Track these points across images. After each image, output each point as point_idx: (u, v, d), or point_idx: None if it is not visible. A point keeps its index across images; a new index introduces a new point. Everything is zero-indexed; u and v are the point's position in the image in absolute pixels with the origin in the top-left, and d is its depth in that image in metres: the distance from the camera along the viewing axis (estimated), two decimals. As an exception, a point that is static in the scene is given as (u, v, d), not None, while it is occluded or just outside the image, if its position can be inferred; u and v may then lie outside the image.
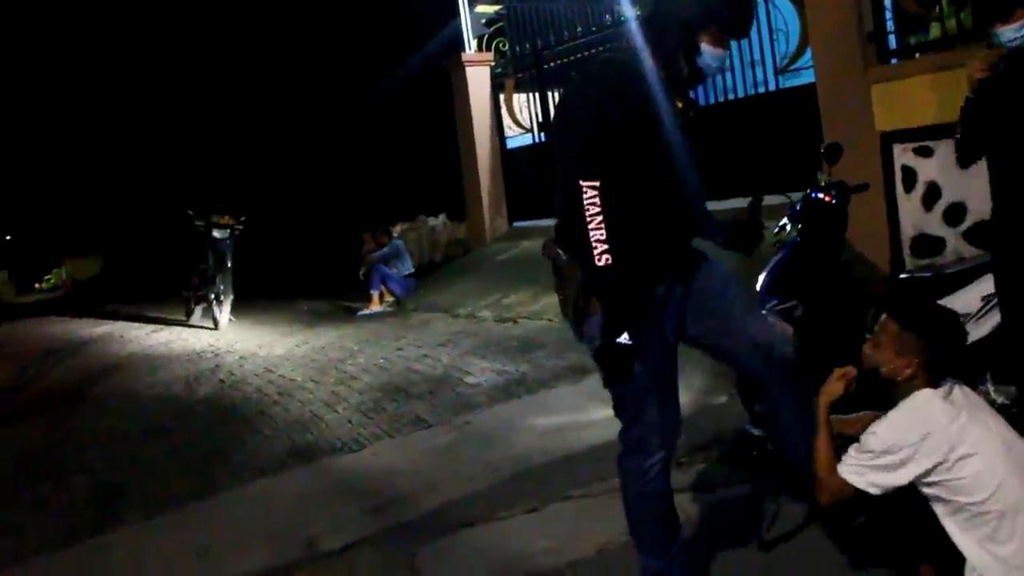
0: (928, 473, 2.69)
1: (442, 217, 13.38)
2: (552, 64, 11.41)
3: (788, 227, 4.44)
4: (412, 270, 11.54)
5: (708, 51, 2.86)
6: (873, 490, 2.75)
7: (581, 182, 2.70)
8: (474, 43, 12.44)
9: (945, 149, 6.36)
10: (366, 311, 10.90)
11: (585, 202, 2.70)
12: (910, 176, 6.60)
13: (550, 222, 10.67)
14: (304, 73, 14.82)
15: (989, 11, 3.27)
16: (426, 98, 13.12)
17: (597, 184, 2.70)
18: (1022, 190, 3.36)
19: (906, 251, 6.60)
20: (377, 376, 7.21)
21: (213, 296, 10.91)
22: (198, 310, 11.55)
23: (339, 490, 4.98)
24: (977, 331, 3.80)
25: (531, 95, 11.87)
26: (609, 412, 5.29)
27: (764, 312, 4.08)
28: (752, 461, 4.18)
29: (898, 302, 3.09)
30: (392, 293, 11.18)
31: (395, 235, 11.97)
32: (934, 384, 2.79)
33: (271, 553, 4.26)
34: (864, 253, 6.56)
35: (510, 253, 11.12)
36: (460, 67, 12.14)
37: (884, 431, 2.77)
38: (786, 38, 8.41)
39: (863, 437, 2.81)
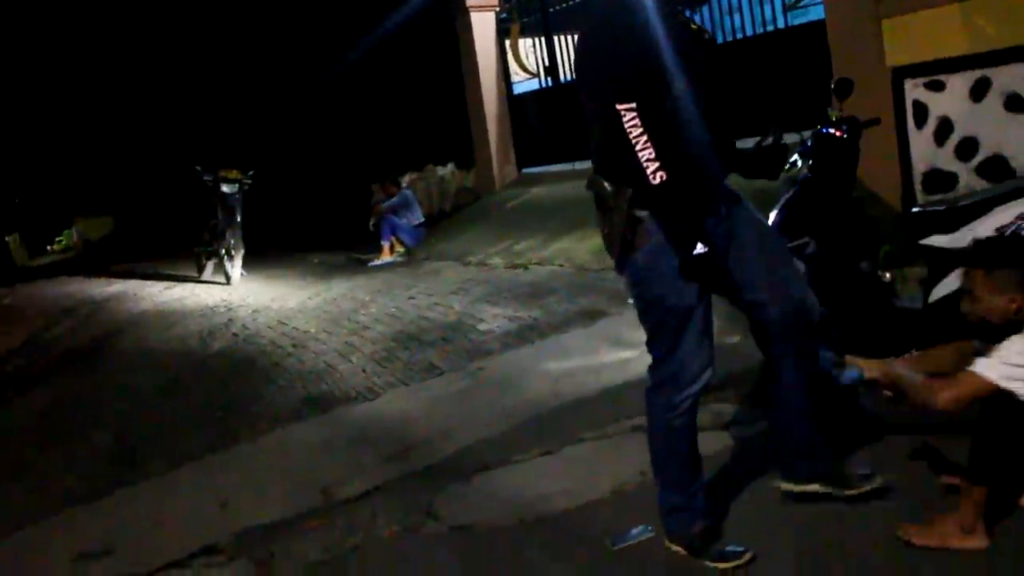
0: None
1: (451, 166, 13.30)
2: (557, 7, 11.26)
3: (799, 163, 4.40)
4: (422, 219, 11.52)
5: None
6: (1003, 385, 2.73)
7: (618, 106, 2.74)
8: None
9: (957, 83, 6.28)
10: (377, 261, 10.90)
11: (626, 126, 2.75)
12: (921, 111, 6.52)
13: (560, 167, 10.71)
14: (308, 22, 14.66)
15: None
16: (431, 45, 12.96)
17: (634, 105, 2.74)
18: None
19: (918, 187, 6.55)
20: (390, 325, 7.22)
21: (224, 251, 10.90)
22: (210, 265, 11.56)
23: (355, 438, 5.01)
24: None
25: (537, 40, 11.74)
26: (623, 354, 5.38)
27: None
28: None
29: (972, 251, 3.08)
30: (403, 243, 11.18)
31: (404, 185, 11.94)
32: None
33: (289, 501, 4.30)
34: (876, 190, 6.51)
35: (520, 200, 11.08)
36: (465, 12, 11.99)
37: None
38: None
39: (1005, 351, 2.78)
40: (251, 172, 11.13)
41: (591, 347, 5.74)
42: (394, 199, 11.36)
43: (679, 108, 2.83)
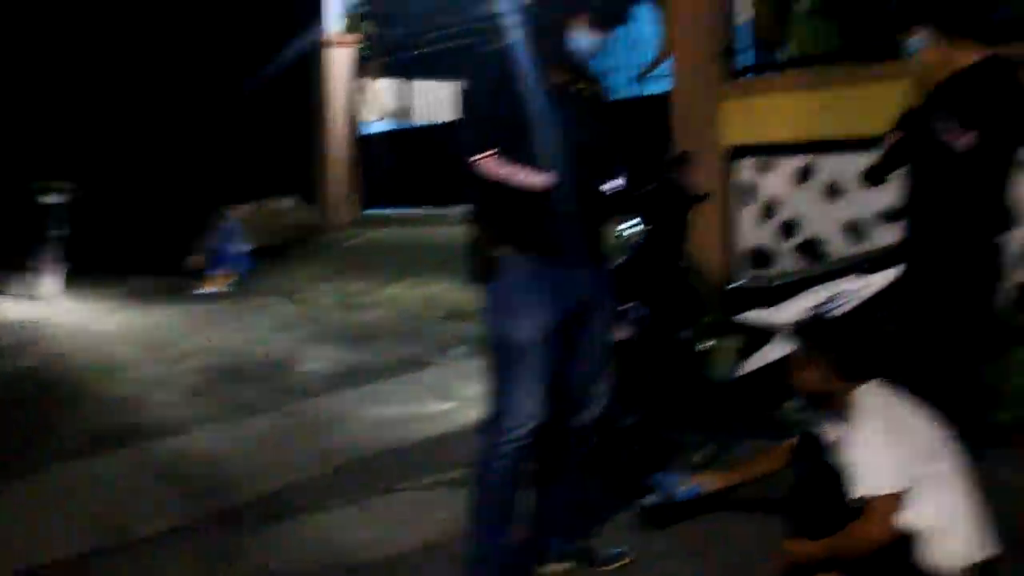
0: (913, 449, 2.82)
1: (293, 199, 13.06)
2: (418, 52, 11.29)
3: (633, 229, 4.50)
4: (248, 247, 11.27)
5: (580, 34, 2.99)
6: (898, 488, 2.78)
7: (476, 157, 2.89)
8: (341, 23, 12.19)
9: (784, 166, 6.62)
10: (204, 290, 10.56)
11: (488, 171, 2.89)
12: (750, 190, 6.83)
13: (403, 211, 10.63)
14: (159, 42, 14.19)
15: (897, 25, 3.43)
16: (287, 74, 12.76)
17: (488, 154, 2.88)
18: (928, 206, 3.46)
19: (740, 262, 6.84)
20: (210, 357, 6.96)
21: (43, 266, 10.34)
22: (28, 280, 10.90)
23: (160, 475, 4.75)
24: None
25: (394, 82, 11.72)
26: (444, 405, 5.35)
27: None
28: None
29: (799, 327, 3.21)
30: (231, 273, 10.87)
31: (230, 217, 11.65)
32: (859, 384, 2.95)
33: (79, 541, 4.01)
34: (702, 262, 6.74)
35: (359, 240, 10.97)
36: (324, 45, 11.88)
37: (868, 436, 2.84)
38: (645, 48, 8.57)
39: (854, 459, 2.84)
40: (74, 186, 10.61)
41: (415, 396, 5.68)
42: (223, 229, 11.08)
43: (539, 152, 2.91)
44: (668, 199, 4.44)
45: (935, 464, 2.84)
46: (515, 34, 3.02)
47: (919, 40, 3.37)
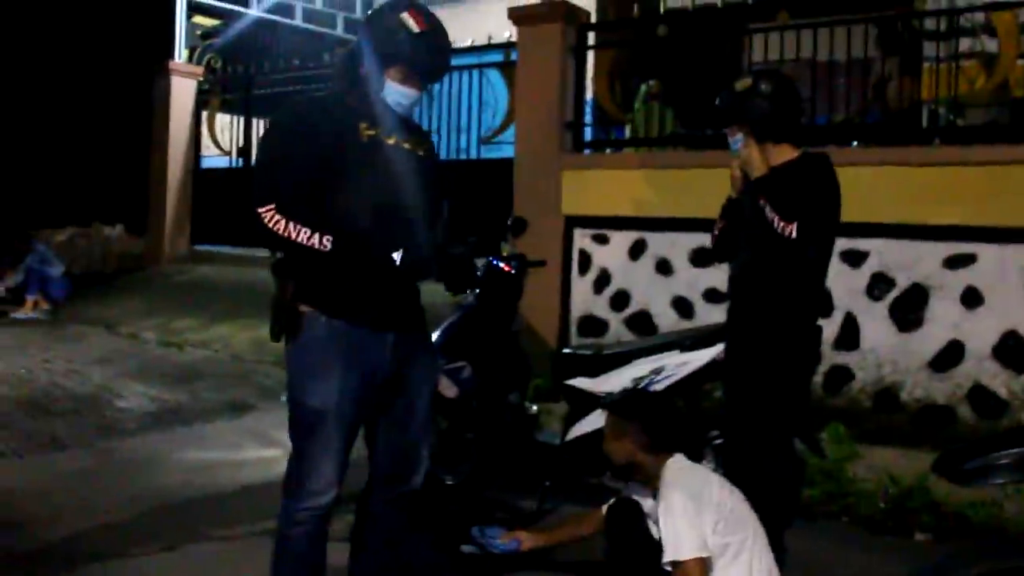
0: (716, 518, 2.98)
1: (119, 227, 12.58)
2: (263, 91, 11.15)
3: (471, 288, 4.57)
4: (60, 271, 10.81)
5: (394, 87, 2.92)
6: (706, 552, 2.93)
7: (257, 208, 2.73)
8: (185, 53, 11.93)
9: (619, 239, 6.88)
10: (20, 314, 10.00)
11: (269, 224, 2.73)
12: (586, 260, 7.05)
13: (236, 250, 10.35)
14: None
15: (720, 122, 3.65)
16: (125, 100, 12.35)
17: (272, 207, 2.73)
18: (751, 288, 3.64)
19: (573, 329, 7.02)
20: (14, 388, 6.56)
21: None
22: None
23: (-53, 512, 4.45)
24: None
25: (236, 118, 11.51)
26: (266, 452, 5.23)
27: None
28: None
29: (608, 401, 3.37)
30: (49, 298, 10.34)
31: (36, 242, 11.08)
32: (667, 457, 3.13)
33: None
34: (535, 327, 6.89)
35: (187, 276, 10.63)
36: (166, 74, 11.55)
37: (674, 505, 2.98)
38: (493, 112, 8.77)
39: (662, 527, 2.98)
40: None
41: (234, 441, 5.54)
42: (35, 254, 10.60)
43: (342, 208, 2.82)
44: (503, 264, 4.52)
45: (738, 533, 3.02)
46: (335, 83, 3.00)
47: (737, 139, 3.60)
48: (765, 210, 3.43)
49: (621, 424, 3.22)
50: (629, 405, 3.32)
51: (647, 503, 3.20)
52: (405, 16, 2.87)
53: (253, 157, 11.03)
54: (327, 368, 2.82)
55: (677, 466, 3.13)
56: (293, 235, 2.73)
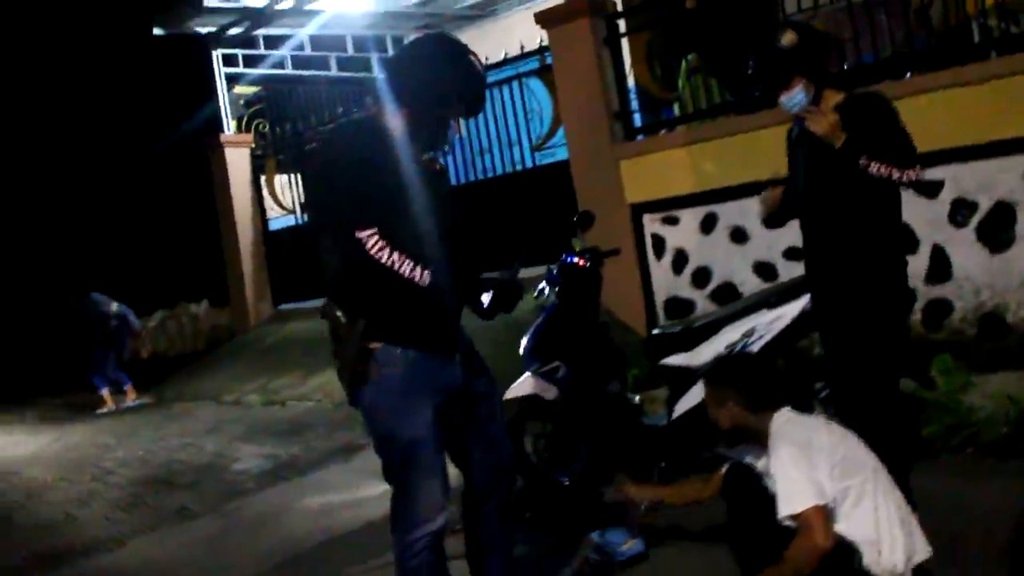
0: (829, 463, 2.94)
1: (204, 303, 12.92)
2: (312, 145, 11.37)
3: (547, 291, 4.60)
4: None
5: (452, 125, 3.01)
6: (824, 500, 2.90)
7: (358, 233, 2.73)
8: (233, 124, 12.23)
9: (689, 217, 6.84)
10: (104, 410, 10.09)
11: (372, 251, 2.73)
12: (660, 244, 7.03)
13: (316, 303, 10.55)
14: (56, 153, 14.02)
15: (770, 84, 3.57)
16: (185, 181, 12.74)
17: (375, 231, 2.73)
18: (828, 236, 3.61)
19: (660, 314, 7.00)
20: (137, 469, 6.80)
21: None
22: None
23: (98, 593, 4.63)
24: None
25: (292, 176, 11.76)
26: (382, 488, 5.26)
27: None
28: (527, 521, 4.25)
29: (703, 373, 3.38)
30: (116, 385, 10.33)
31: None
32: (771, 414, 3.10)
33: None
34: (622, 318, 6.88)
35: (276, 336, 10.85)
36: (219, 148, 11.87)
37: (784, 458, 2.97)
38: (539, 119, 8.80)
39: (775, 481, 2.97)
40: None
41: (351, 482, 5.63)
42: (113, 321, 10.35)
43: (419, 226, 2.86)
44: (577, 259, 4.54)
45: (856, 475, 2.97)
46: (388, 116, 2.96)
47: (796, 94, 3.54)
48: (871, 168, 3.35)
49: (718, 391, 3.22)
50: (721, 371, 3.32)
51: (761, 462, 3.17)
52: (473, 59, 2.98)
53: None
54: (412, 399, 2.88)
55: (783, 419, 3.11)
56: (397, 264, 2.75)
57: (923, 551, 2.99)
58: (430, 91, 2.92)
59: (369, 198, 2.77)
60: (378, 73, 2.93)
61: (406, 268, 2.75)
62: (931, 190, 3.35)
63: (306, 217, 11.45)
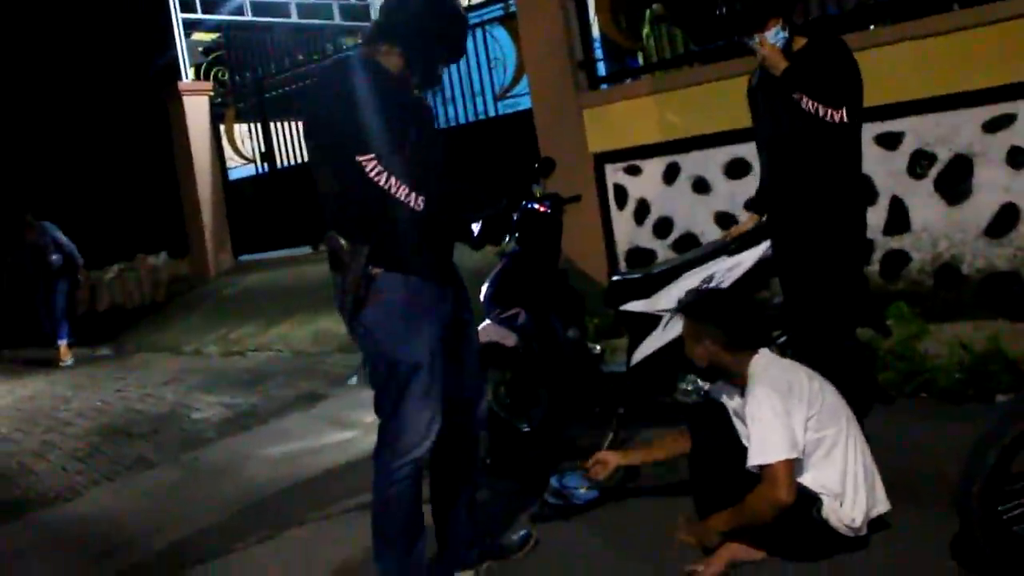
0: (807, 413, 2.95)
1: (163, 255, 12.75)
2: (273, 93, 11.21)
3: (507, 238, 4.57)
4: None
5: (440, 67, 3.12)
6: (795, 453, 2.90)
7: (358, 158, 2.80)
8: (191, 72, 12.02)
9: (651, 167, 6.83)
10: (66, 362, 9.73)
11: (370, 173, 2.80)
12: (622, 194, 7.02)
13: (277, 254, 10.49)
14: (3, 99, 13.66)
15: (746, 26, 3.59)
16: (142, 130, 12.48)
17: (373, 156, 2.80)
18: (787, 182, 3.66)
19: (621, 263, 7.02)
20: (94, 420, 6.74)
21: None
22: None
23: (56, 542, 4.60)
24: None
25: (253, 125, 11.58)
26: (343, 435, 5.31)
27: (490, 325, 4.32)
28: (488, 468, 4.27)
29: (684, 305, 3.32)
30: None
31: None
32: (750, 354, 3.08)
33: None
34: (584, 268, 6.88)
35: (236, 287, 10.77)
36: (177, 97, 11.66)
37: (762, 403, 2.95)
38: (503, 68, 8.72)
39: (750, 427, 2.96)
40: None
41: (312, 429, 5.63)
42: (55, 248, 9.65)
43: (415, 156, 2.90)
44: (537, 206, 4.52)
45: (831, 426, 2.98)
46: (382, 54, 3.02)
47: (776, 33, 3.56)
48: (802, 102, 3.40)
49: (697, 327, 3.16)
50: (702, 306, 3.24)
51: (734, 401, 3.17)
52: (458, 3, 3.11)
53: (277, 161, 11.14)
54: (413, 324, 2.95)
55: (764, 362, 3.08)
56: (394, 189, 2.82)
57: (882, 505, 3.03)
58: (423, 32, 3.00)
59: (368, 127, 2.83)
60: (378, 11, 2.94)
61: (403, 192, 2.81)
62: (852, 134, 3.44)
63: (266, 167, 11.31)
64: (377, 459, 3.06)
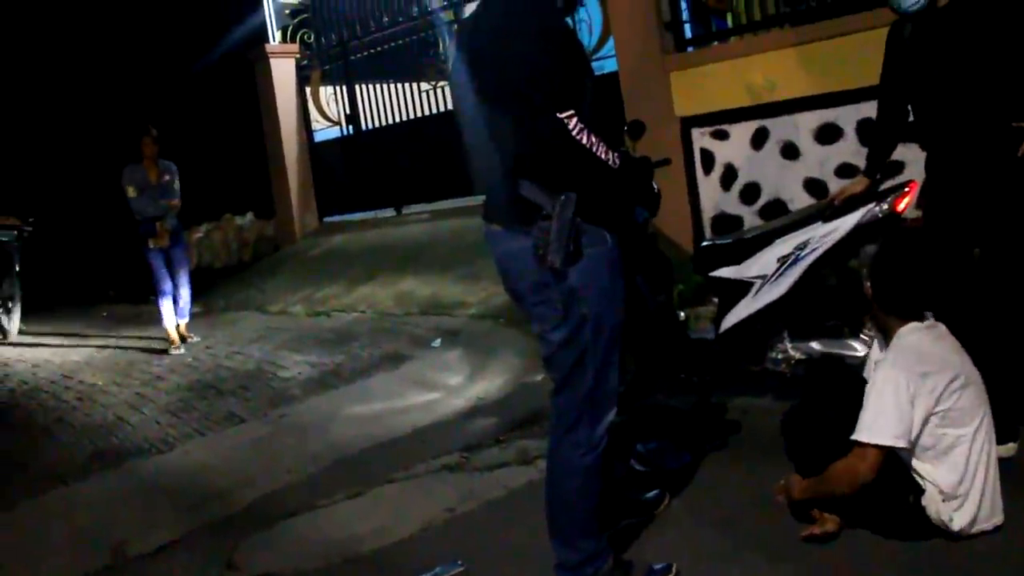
0: (934, 409, 2.82)
1: (249, 215, 12.96)
2: (359, 56, 11.27)
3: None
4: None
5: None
6: (902, 444, 2.81)
7: (559, 115, 2.61)
8: (278, 34, 12.13)
9: (739, 132, 6.70)
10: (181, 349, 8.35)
11: (573, 131, 2.61)
12: (708, 159, 6.91)
13: (361, 215, 10.51)
14: (98, 65, 14.01)
15: None
16: (230, 92, 12.66)
17: (573, 111, 2.62)
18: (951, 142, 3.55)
19: (707, 230, 6.91)
20: (185, 375, 6.91)
21: (0, 304, 10.11)
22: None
23: (149, 492, 4.74)
24: (774, 291, 3.98)
25: (338, 87, 11.67)
26: (429, 396, 5.36)
27: None
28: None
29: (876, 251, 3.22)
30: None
31: None
32: (900, 321, 2.96)
33: (76, 561, 4.00)
34: (669, 234, 6.80)
35: (321, 248, 10.91)
36: (264, 59, 11.79)
37: (888, 380, 2.84)
38: (589, 29, 8.61)
39: (868, 398, 2.85)
40: (32, 219, 10.40)
41: (397, 390, 5.68)
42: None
43: (598, 113, 2.77)
44: (628, 168, 4.44)
45: (960, 428, 2.83)
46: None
47: None
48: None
49: (869, 277, 3.07)
50: (876, 259, 3.10)
51: (877, 355, 3.07)
52: None
53: (362, 123, 11.22)
54: (616, 282, 2.81)
55: (912, 338, 2.94)
56: (595, 147, 2.65)
57: (997, 518, 2.90)
58: None
59: (561, 74, 2.65)
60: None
61: (602, 150, 2.67)
62: None
63: (351, 129, 11.37)
64: (575, 429, 2.82)
